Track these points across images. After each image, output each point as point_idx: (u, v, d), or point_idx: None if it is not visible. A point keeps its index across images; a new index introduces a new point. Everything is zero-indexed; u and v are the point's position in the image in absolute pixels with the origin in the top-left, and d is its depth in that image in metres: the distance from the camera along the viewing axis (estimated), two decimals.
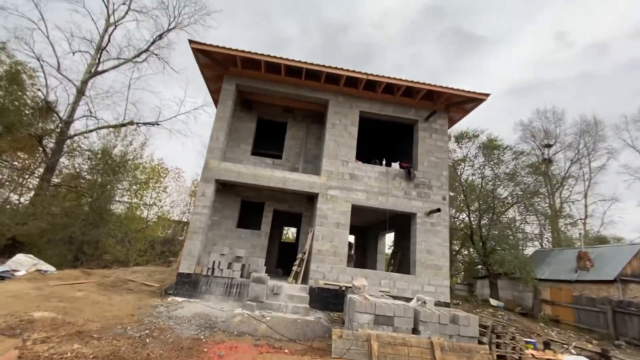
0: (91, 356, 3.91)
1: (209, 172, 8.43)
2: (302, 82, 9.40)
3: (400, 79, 9.16)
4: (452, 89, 9.23)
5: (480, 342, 6.12)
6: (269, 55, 8.74)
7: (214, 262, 7.71)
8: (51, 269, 9.23)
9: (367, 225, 14.73)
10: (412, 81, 9.21)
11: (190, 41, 8.65)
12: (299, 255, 8.53)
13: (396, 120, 9.95)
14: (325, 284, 7.82)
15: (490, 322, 6.55)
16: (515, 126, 41.91)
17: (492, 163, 21.57)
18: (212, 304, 7.11)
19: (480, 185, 21.82)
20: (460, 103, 9.77)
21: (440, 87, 9.23)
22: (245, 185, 9.07)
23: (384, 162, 9.73)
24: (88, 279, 8.96)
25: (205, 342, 5.20)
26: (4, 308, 5.25)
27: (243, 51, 8.70)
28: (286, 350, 5.36)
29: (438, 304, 8.21)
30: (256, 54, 8.71)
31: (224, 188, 9.63)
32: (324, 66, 9.00)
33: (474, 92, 9.26)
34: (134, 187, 18.41)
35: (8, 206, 14.15)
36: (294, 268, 8.32)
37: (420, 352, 5.39)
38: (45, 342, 4.11)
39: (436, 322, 5.88)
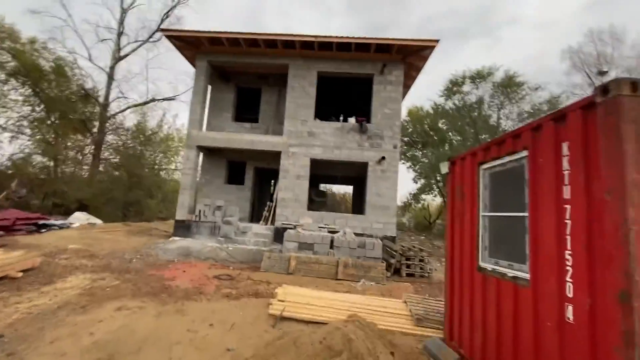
0: (90, 265, 6.29)
1: (191, 140, 10.35)
2: (263, 50, 10.47)
3: (350, 37, 9.75)
4: (400, 39, 9.59)
5: (387, 262, 7.56)
6: (228, 32, 9.91)
7: (199, 210, 9.92)
8: (98, 221, 12.42)
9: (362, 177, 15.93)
10: (361, 37, 9.74)
11: (162, 29, 10.18)
12: (269, 203, 10.38)
13: (354, 76, 10.64)
14: (283, 224, 9.64)
15: (398, 247, 7.86)
16: (562, 54, 36.44)
17: (511, 101, 20.63)
18: (198, 241, 9.41)
19: (496, 125, 21.17)
20: (415, 51, 10.05)
21: (388, 39, 9.64)
22: (227, 149, 10.88)
23: (341, 117, 10.71)
24: (123, 228, 11.96)
25: (175, 263, 7.45)
26: (53, 243, 8.00)
27: (206, 31, 9.98)
28: (231, 267, 7.40)
29: (385, 238, 9.59)
30: (217, 32, 9.93)
31: (211, 152, 11.58)
32: (278, 34, 9.94)
33: (422, 40, 9.53)
34: (167, 153, 21.63)
35: (77, 178, 18.12)
36: (264, 213, 10.25)
37: (327, 268, 7.05)
38: (67, 259, 6.59)
39: (347, 247, 7.42)
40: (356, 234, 9.50)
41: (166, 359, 3.14)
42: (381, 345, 2.56)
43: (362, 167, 10.39)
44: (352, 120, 10.39)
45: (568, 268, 2.15)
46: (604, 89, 1.95)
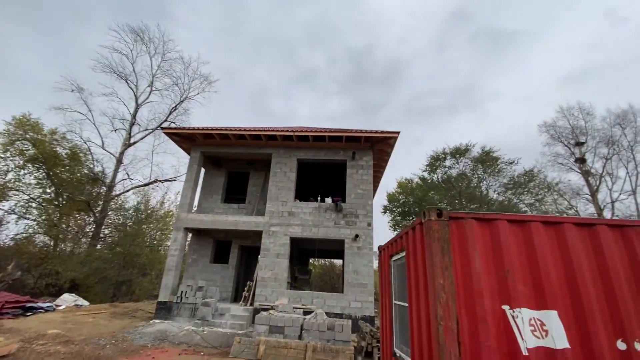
0: (63, 351, 6.50)
1: (179, 222, 11.17)
2: (249, 142, 11.95)
3: (324, 129, 11.25)
4: (366, 131, 11.02)
5: (359, 345, 7.59)
6: (218, 128, 11.50)
7: (181, 291, 10.20)
8: (85, 303, 12.54)
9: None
10: (333, 129, 11.24)
11: (162, 128, 11.87)
12: (249, 283, 10.66)
13: (329, 162, 11.89)
14: (260, 305, 9.80)
15: (368, 329, 7.93)
16: (539, 128, 39.21)
17: (489, 175, 21.84)
18: (177, 324, 9.51)
19: (480, 195, 22.09)
20: (381, 140, 11.42)
21: (356, 130, 11.09)
22: (214, 229, 11.61)
23: (319, 198, 11.62)
24: (107, 310, 12.04)
25: (148, 348, 7.56)
26: (34, 328, 8.22)
27: (199, 128, 11.60)
28: (202, 353, 7.46)
29: (364, 318, 9.64)
30: (208, 128, 11.53)
31: (199, 232, 12.30)
32: (262, 129, 11.51)
33: (385, 131, 10.94)
34: (165, 231, 22.35)
35: (73, 257, 18.62)
36: (244, 293, 10.47)
37: (296, 353, 7.12)
38: (43, 345, 6.82)
39: (317, 330, 7.55)
40: (335, 314, 9.61)
41: None
42: None
43: (340, 243, 10.91)
44: (328, 200, 11.27)
45: (424, 356, 2.64)
46: (424, 213, 2.72)
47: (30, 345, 6.79)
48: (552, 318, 2.39)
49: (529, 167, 21.06)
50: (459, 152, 22.18)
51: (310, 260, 23.96)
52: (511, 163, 20.39)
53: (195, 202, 12.91)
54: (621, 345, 2.33)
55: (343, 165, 12.03)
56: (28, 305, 10.39)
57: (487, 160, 20.79)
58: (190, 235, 12.48)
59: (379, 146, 11.70)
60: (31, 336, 7.45)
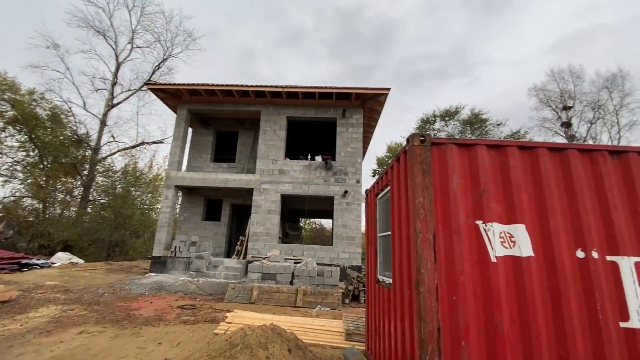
0: (62, 298, 6.76)
1: (169, 180, 11.18)
2: (237, 99, 11.70)
3: (314, 86, 11.04)
4: (357, 88, 10.89)
5: (347, 289, 8.09)
6: (205, 84, 11.17)
7: (175, 246, 10.47)
8: (80, 261, 12.76)
9: None
10: (323, 87, 11.04)
11: (147, 83, 11.45)
12: (241, 238, 10.99)
13: (319, 120, 11.83)
14: (252, 257, 10.20)
15: (355, 275, 8.41)
16: (529, 91, 38.95)
17: (477, 136, 22.07)
18: (172, 276, 9.87)
19: None
20: (372, 97, 11.33)
21: (347, 88, 10.93)
22: (204, 187, 11.69)
23: (309, 156, 11.69)
24: (103, 267, 12.33)
25: (146, 296, 7.90)
26: (32, 280, 8.43)
27: (186, 84, 11.24)
28: (198, 299, 7.85)
29: (351, 267, 10.15)
30: (195, 84, 11.19)
31: (190, 191, 12.37)
32: (250, 85, 11.21)
33: (376, 88, 10.83)
34: (155, 193, 22.33)
35: (63, 219, 18.58)
36: (237, 247, 10.82)
37: (287, 296, 7.57)
38: (42, 293, 7.06)
39: (307, 276, 7.98)
40: (324, 264, 10.07)
41: None
42: (279, 341, 3.18)
43: (330, 200, 11.18)
44: (318, 158, 11.37)
45: (404, 270, 2.89)
46: (408, 140, 2.84)
47: (30, 293, 7.02)
48: (519, 231, 2.62)
49: (516, 129, 21.23)
50: (448, 115, 22.21)
51: (301, 223, 24.58)
52: (499, 125, 20.65)
53: (185, 163, 12.86)
54: (580, 254, 2.59)
55: (333, 124, 12.00)
56: (24, 261, 10.57)
57: (476, 122, 20.96)
58: (180, 194, 12.56)
59: (369, 104, 11.63)
60: (29, 287, 7.69)
